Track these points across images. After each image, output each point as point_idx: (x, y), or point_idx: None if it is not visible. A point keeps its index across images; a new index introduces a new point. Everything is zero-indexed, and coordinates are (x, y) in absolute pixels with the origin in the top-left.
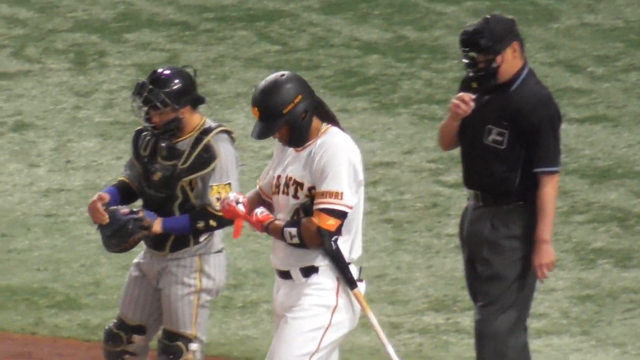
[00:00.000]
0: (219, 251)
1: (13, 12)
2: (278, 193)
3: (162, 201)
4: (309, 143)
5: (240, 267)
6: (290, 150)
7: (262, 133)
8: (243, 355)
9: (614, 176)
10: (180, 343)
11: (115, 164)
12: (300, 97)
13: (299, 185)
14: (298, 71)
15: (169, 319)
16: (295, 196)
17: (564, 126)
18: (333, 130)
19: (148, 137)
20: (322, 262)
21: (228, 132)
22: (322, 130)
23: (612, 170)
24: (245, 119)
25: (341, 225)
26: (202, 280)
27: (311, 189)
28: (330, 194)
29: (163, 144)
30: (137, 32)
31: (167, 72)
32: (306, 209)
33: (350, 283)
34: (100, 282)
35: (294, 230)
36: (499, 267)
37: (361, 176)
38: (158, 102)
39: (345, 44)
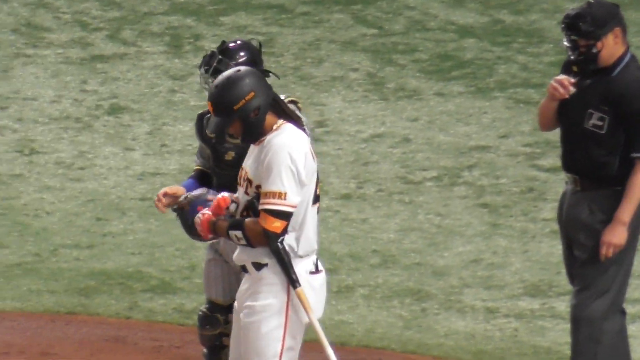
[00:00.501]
0: None
1: None
2: (240, 185)
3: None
4: (263, 139)
5: (336, 252)
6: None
7: (215, 128)
8: (338, 340)
9: None
10: None
11: None
12: (252, 94)
13: (249, 181)
14: (394, 55)
15: None
16: (246, 192)
17: None
18: (284, 127)
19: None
20: (269, 259)
21: (294, 102)
22: (275, 127)
23: None
24: (341, 103)
25: (287, 226)
26: None
27: (258, 187)
28: (274, 194)
29: None
30: (232, 15)
31: (236, 43)
32: (252, 206)
33: (293, 282)
34: (195, 266)
35: (239, 233)
36: (595, 252)
37: (304, 175)
38: None
39: (441, 28)
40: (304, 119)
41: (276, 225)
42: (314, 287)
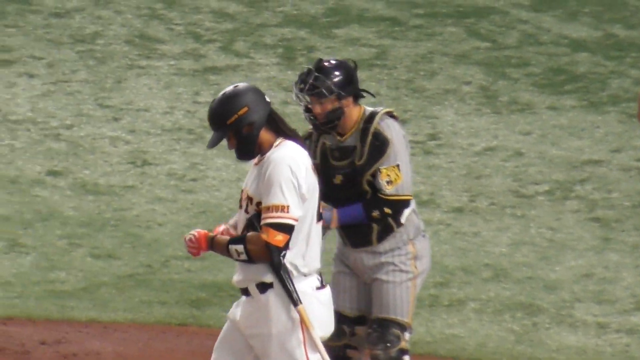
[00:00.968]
0: (424, 234)
1: (222, 6)
2: (240, 207)
3: (352, 200)
4: (262, 158)
5: (447, 265)
6: (252, 163)
7: (211, 142)
8: (449, 354)
9: None
10: (397, 330)
11: None
12: (245, 109)
13: (250, 199)
14: (507, 68)
15: (385, 306)
16: (246, 210)
17: None
18: (284, 143)
19: (313, 144)
20: (273, 279)
21: (391, 114)
22: (275, 145)
23: None
24: (454, 116)
25: (289, 240)
26: (416, 265)
27: (259, 204)
28: (276, 208)
29: (329, 144)
30: (346, 28)
31: (332, 62)
32: (251, 225)
33: (294, 301)
34: None
35: (240, 247)
36: None
37: (305, 189)
38: (324, 88)
39: (554, 42)
40: (400, 131)
41: (278, 238)
42: (322, 302)
